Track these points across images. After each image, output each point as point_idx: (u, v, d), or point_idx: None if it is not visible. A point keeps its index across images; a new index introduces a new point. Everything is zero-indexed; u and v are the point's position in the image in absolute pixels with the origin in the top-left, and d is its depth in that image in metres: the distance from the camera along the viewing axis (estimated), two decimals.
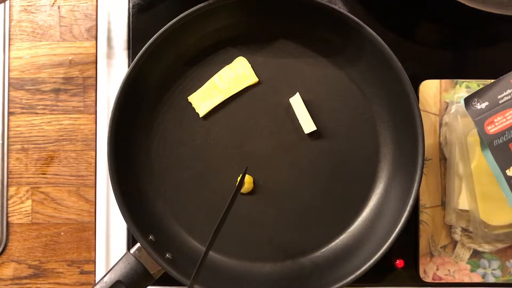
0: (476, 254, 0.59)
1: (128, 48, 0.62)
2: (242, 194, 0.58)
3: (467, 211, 0.57)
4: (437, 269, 0.59)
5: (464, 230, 0.59)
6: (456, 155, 0.58)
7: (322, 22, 0.57)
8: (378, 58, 0.55)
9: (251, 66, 0.59)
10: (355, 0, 0.61)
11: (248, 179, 0.58)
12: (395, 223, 0.54)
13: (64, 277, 0.62)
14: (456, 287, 0.60)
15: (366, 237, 0.57)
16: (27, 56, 0.63)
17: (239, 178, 0.55)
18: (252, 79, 0.59)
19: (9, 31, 0.63)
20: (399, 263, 0.59)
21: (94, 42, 0.63)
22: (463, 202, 0.57)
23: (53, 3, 0.63)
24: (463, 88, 0.59)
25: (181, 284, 0.54)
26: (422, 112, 0.55)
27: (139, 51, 0.55)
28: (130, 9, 0.62)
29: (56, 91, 0.62)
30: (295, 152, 0.59)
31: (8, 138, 0.62)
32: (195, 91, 0.59)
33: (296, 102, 0.58)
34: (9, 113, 0.63)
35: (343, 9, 0.55)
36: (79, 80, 0.63)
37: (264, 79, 0.59)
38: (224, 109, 0.59)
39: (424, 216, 0.59)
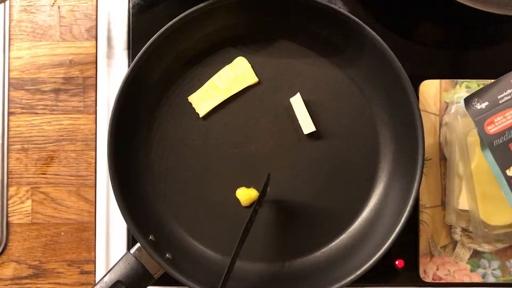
0: (476, 254, 0.59)
1: (128, 48, 0.62)
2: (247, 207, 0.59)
3: (467, 211, 0.57)
4: (437, 269, 0.59)
5: (464, 230, 0.59)
6: (456, 155, 0.58)
7: (322, 22, 0.57)
8: (378, 58, 0.55)
9: (251, 66, 0.59)
10: (355, 0, 0.61)
11: (252, 192, 0.58)
12: (395, 223, 0.54)
13: (64, 277, 0.62)
14: (456, 287, 0.60)
15: (366, 237, 0.57)
16: (27, 56, 0.63)
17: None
18: (252, 79, 0.59)
19: (9, 31, 0.63)
20: (399, 263, 0.59)
21: (94, 42, 0.63)
22: (463, 202, 0.57)
23: (53, 3, 0.63)
24: (463, 88, 0.59)
25: (181, 284, 0.54)
26: (422, 112, 0.55)
27: (139, 51, 0.55)
28: (130, 9, 0.62)
29: (56, 91, 0.62)
30: (295, 152, 0.59)
31: (8, 138, 0.62)
32: (195, 91, 0.59)
33: (297, 102, 0.58)
34: (9, 113, 0.63)
35: (343, 9, 0.55)
36: (79, 80, 0.63)
37: (264, 79, 0.59)
38: (224, 109, 0.59)
39: (424, 216, 0.59)
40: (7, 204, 0.62)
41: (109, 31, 0.62)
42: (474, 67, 0.61)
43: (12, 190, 0.62)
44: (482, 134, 0.52)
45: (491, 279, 0.59)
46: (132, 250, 0.54)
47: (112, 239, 0.61)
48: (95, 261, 0.62)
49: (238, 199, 0.58)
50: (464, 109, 0.53)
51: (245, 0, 0.56)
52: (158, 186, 0.59)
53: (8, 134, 0.62)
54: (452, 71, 0.61)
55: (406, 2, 0.61)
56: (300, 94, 0.58)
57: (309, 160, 0.59)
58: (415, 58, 0.60)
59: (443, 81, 0.59)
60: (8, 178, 0.62)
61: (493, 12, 0.52)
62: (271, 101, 0.59)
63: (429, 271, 0.59)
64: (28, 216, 0.62)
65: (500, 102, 0.52)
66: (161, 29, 0.55)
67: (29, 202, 0.62)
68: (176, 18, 0.55)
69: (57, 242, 0.62)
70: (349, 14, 0.54)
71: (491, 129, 0.52)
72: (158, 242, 0.55)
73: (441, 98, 0.59)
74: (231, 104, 0.59)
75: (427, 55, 0.61)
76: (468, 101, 0.53)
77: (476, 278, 0.59)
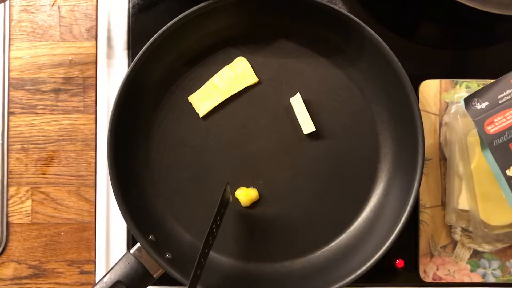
0: (476, 254, 0.59)
1: (128, 48, 0.62)
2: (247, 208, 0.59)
3: (467, 211, 0.57)
4: (437, 269, 0.59)
5: (464, 230, 0.59)
6: (456, 155, 0.58)
7: (322, 22, 0.57)
8: (378, 58, 0.55)
9: (251, 66, 0.59)
10: (355, 0, 0.61)
11: (252, 192, 0.58)
12: (395, 223, 0.54)
13: (64, 277, 0.62)
14: (456, 287, 0.60)
15: (366, 237, 0.57)
16: (27, 56, 0.63)
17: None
18: (252, 79, 0.59)
19: (9, 31, 0.63)
20: (399, 263, 0.59)
21: (94, 42, 0.63)
22: (463, 202, 0.57)
23: (53, 3, 0.63)
24: (463, 88, 0.59)
25: (181, 284, 0.54)
26: (422, 112, 0.55)
27: (139, 51, 0.55)
28: (130, 9, 0.62)
29: (56, 91, 0.62)
30: (295, 152, 0.59)
31: (8, 138, 0.62)
32: (195, 91, 0.59)
33: (297, 102, 0.58)
34: (9, 113, 0.63)
35: (343, 9, 0.55)
36: (79, 80, 0.63)
37: (264, 79, 0.59)
38: (224, 109, 0.59)
39: (424, 216, 0.59)
40: (7, 204, 0.62)
41: (109, 31, 0.62)
42: (474, 67, 0.61)
43: (12, 190, 0.62)
44: (482, 134, 0.52)
45: (491, 279, 0.59)
46: (132, 250, 0.54)
47: (112, 239, 0.61)
48: (95, 261, 0.62)
49: (238, 199, 0.58)
50: (464, 109, 0.53)
51: (245, 0, 0.56)
52: (158, 186, 0.59)
53: (8, 134, 0.62)
54: (452, 71, 0.61)
55: (406, 2, 0.61)
56: (300, 94, 0.58)
57: (309, 160, 0.59)
58: (415, 58, 0.60)
59: (443, 81, 0.59)
60: (8, 178, 0.62)
61: (493, 12, 0.52)
62: (271, 101, 0.59)
63: (429, 271, 0.59)
64: (28, 216, 0.62)
65: (500, 102, 0.52)
66: (161, 29, 0.55)
67: (29, 202, 0.62)
68: (176, 18, 0.55)
69: (57, 242, 0.62)
70: (349, 14, 0.54)
71: (491, 129, 0.52)
72: (158, 242, 0.55)
73: (441, 98, 0.59)
74: (231, 104, 0.59)
75: (427, 55, 0.61)
76: (468, 101, 0.53)
77: (476, 278, 0.59)
